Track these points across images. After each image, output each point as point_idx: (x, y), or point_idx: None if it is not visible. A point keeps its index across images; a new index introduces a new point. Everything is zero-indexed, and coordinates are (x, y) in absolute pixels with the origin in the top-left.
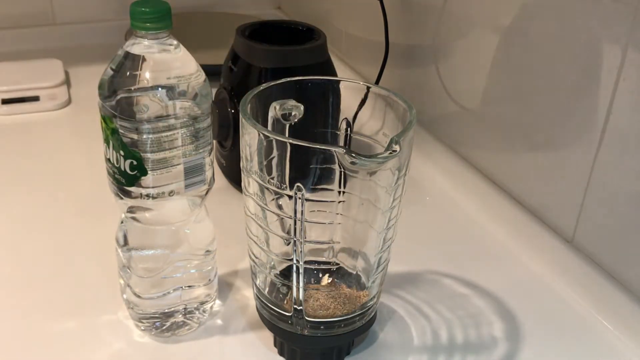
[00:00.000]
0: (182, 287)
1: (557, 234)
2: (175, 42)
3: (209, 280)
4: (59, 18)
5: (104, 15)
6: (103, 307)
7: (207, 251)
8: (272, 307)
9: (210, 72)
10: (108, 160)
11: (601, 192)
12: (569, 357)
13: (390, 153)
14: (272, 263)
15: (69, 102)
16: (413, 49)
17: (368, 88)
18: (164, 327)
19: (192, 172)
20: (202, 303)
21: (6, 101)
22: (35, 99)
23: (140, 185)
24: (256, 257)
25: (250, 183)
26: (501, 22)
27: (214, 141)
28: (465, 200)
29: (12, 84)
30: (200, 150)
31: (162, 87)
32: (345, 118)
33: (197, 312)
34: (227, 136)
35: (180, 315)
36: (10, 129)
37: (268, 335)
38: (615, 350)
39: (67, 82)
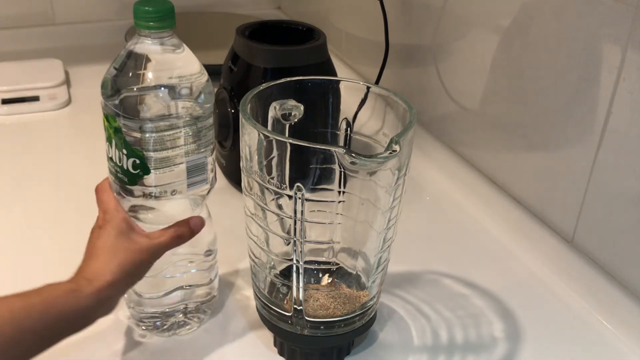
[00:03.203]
0: (182, 287)
1: (557, 234)
2: (178, 41)
3: (210, 279)
4: (59, 18)
5: (104, 15)
6: None
7: (208, 251)
8: (272, 307)
9: (211, 72)
10: (110, 159)
11: (601, 192)
12: (568, 357)
13: (390, 153)
14: (272, 263)
15: (69, 102)
16: (413, 49)
17: (368, 88)
18: (165, 327)
19: (194, 171)
20: (203, 302)
21: (6, 101)
22: (35, 99)
23: (142, 184)
24: (256, 257)
25: (250, 183)
26: (501, 22)
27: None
28: (465, 200)
29: (12, 84)
30: (202, 150)
31: (165, 86)
32: (345, 118)
33: (197, 312)
34: (227, 136)
35: (181, 315)
36: (10, 129)
37: (268, 335)
38: (615, 350)
39: (67, 82)
